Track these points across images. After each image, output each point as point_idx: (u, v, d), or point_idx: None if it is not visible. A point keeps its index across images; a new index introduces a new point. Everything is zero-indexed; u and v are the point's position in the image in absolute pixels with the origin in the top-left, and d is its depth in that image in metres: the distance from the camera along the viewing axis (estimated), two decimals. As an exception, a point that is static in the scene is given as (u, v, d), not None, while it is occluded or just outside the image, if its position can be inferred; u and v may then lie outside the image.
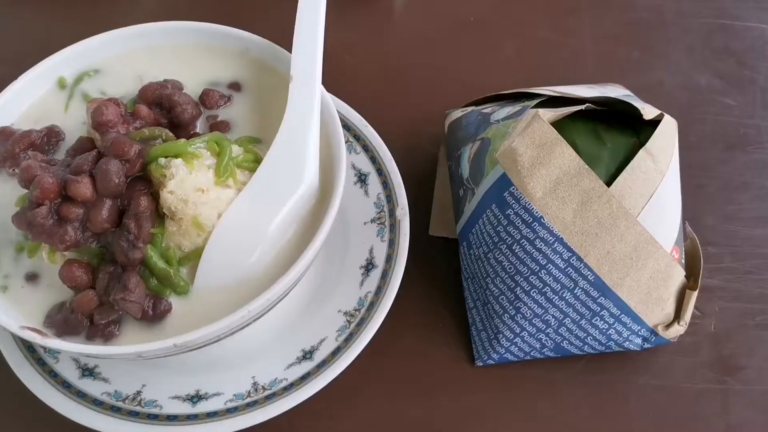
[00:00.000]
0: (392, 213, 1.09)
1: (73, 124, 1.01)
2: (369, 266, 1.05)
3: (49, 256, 0.87)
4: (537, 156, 0.94)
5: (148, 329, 0.87)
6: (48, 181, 0.83)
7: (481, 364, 1.05)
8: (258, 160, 0.94)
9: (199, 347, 0.86)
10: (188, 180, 0.85)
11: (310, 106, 0.96)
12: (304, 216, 0.93)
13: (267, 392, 0.95)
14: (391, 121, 1.21)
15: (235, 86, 1.05)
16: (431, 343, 1.08)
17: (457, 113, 1.18)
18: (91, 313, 0.85)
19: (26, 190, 0.90)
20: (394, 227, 1.07)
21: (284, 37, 1.05)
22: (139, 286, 0.84)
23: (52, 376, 0.96)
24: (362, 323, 0.99)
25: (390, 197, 1.10)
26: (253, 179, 0.90)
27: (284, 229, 0.91)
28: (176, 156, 0.87)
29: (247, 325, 0.86)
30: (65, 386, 0.95)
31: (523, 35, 1.44)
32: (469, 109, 1.18)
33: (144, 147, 0.88)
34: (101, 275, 0.85)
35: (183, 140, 0.90)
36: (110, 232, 0.87)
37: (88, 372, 0.97)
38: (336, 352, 0.97)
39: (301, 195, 0.91)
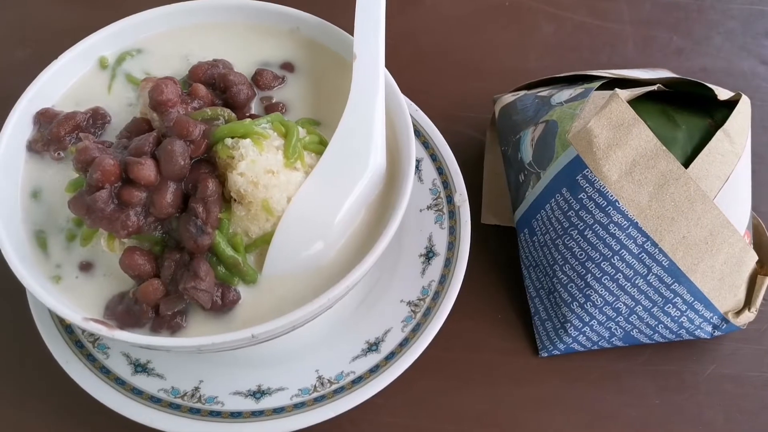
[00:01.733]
0: (450, 199, 1.04)
1: (119, 105, 0.95)
2: (429, 254, 1.01)
3: (108, 244, 0.81)
4: (613, 137, 0.90)
5: (216, 320, 0.81)
6: (109, 163, 0.78)
7: (546, 354, 1.01)
8: (322, 142, 0.89)
9: (273, 338, 0.81)
10: (259, 161, 0.80)
11: (375, 86, 0.91)
12: (371, 202, 0.89)
13: (335, 386, 0.90)
14: (429, 106, 1.17)
15: (288, 66, 1.00)
16: (491, 334, 1.04)
17: (508, 97, 1.14)
18: (156, 303, 0.80)
19: (77, 174, 0.84)
20: (453, 214, 1.03)
21: (333, 15, 1.01)
22: (209, 274, 0.79)
23: (104, 372, 0.90)
24: (428, 313, 0.95)
25: (446, 183, 1.06)
26: (321, 162, 0.85)
27: (353, 214, 0.87)
28: (243, 136, 0.82)
29: (319, 314, 0.81)
30: (119, 383, 0.90)
31: (559, 19, 1.41)
32: (521, 93, 1.14)
33: (208, 127, 0.82)
34: (167, 263, 0.80)
35: (248, 120, 0.85)
36: (174, 217, 0.81)
37: (141, 368, 0.91)
38: (404, 344, 0.93)
39: (369, 178, 0.87)
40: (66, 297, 0.81)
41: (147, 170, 0.78)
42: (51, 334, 0.91)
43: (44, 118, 0.92)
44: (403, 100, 0.92)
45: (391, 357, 0.92)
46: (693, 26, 1.38)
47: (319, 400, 0.89)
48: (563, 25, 1.40)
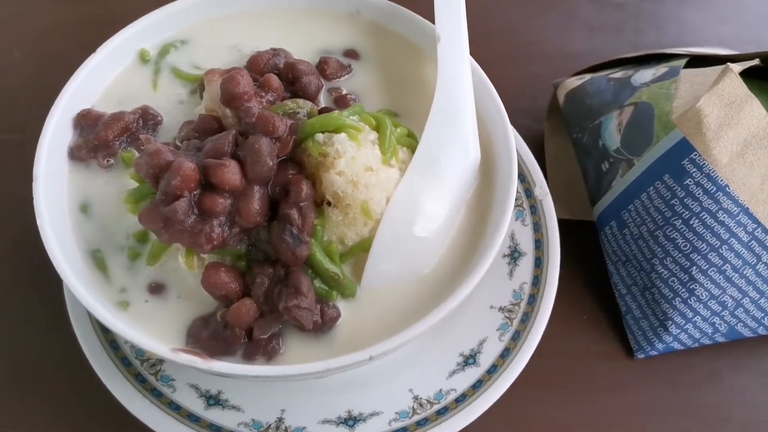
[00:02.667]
0: (529, 193, 0.96)
1: (168, 103, 0.84)
2: (515, 254, 0.92)
3: (187, 261, 0.70)
4: (725, 116, 0.83)
5: (316, 342, 0.71)
6: (189, 167, 0.67)
7: (643, 356, 0.94)
8: (411, 135, 0.79)
9: (384, 357, 0.71)
10: (359, 158, 0.70)
11: (462, 70, 0.82)
12: (468, 200, 0.80)
13: (436, 406, 0.81)
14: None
15: (352, 54, 0.90)
16: (580, 337, 0.96)
17: (573, 82, 1.07)
18: (250, 326, 0.69)
19: (134, 182, 0.73)
20: (535, 209, 0.95)
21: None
22: (311, 289, 0.69)
23: (174, 408, 0.79)
24: (526, 319, 0.86)
25: (523, 176, 0.97)
26: (417, 156, 0.76)
27: (455, 213, 0.78)
28: (336, 131, 0.72)
29: (436, 327, 0.72)
30: (193, 419, 0.78)
31: (599, 1, 1.34)
32: (587, 76, 1.06)
33: (295, 122, 0.72)
34: (259, 279, 0.69)
35: (336, 112, 0.74)
36: (263, 227, 0.71)
37: (213, 400, 0.80)
38: (505, 355, 0.84)
39: (467, 170, 0.78)
40: (138, 325, 0.70)
41: (231, 173, 0.68)
42: (107, 369, 0.80)
43: (86, 121, 0.80)
44: (491, 84, 0.83)
45: (493, 370, 0.83)
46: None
47: (423, 423, 0.79)
48: (602, 6, 1.33)
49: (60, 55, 1.15)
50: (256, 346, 0.69)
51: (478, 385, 0.82)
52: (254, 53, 0.84)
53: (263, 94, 0.75)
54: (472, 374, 0.83)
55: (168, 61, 0.87)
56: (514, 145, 0.78)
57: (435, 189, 0.75)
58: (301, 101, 0.75)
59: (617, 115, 0.94)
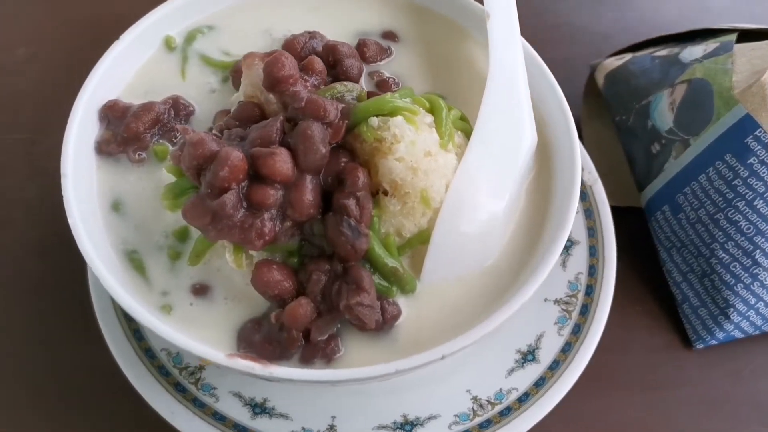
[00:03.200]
0: (577, 179, 0.91)
1: (198, 92, 0.79)
2: (566, 243, 0.87)
3: (235, 259, 0.65)
4: (791, 90, 0.79)
5: (376, 341, 0.66)
6: (237, 157, 0.61)
7: (702, 346, 0.89)
8: (463, 118, 0.74)
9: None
10: (418, 143, 0.65)
11: (514, 48, 0.77)
12: (526, 187, 0.75)
13: (498, 407, 0.76)
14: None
15: (391, 36, 0.84)
16: (636, 329, 0.91)
17: (613, 62, 1.02)
18: (307, 327, 0.63)
19: (171, 177, 0.67)
20: (585, 195, 0.90)
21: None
22: (372, 285, 0.63)
23: (219, 419, 0.73)
24: (586, 311, 0.81)
25: (569, 161, 0.92)
26: (473, 139, 0.71)
27: (516, 199, 0.73)
28: (391, 114, 0.66)
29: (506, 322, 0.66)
30: (240, 430, 0.72)
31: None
32: (628, 56, 1.02)
33: (346, 106, 0.67)
34: (315, 276, 0.64)
35: (388, 94, 0.69)
36: (316, 220, 0.65)
37: (259, 408, 0.75)
38: (566, 350, 0.79)
39: (525, 153, 0.73)
40: (184, 330, 0.64)
41: (282, 162, 0.62)
42: (143, 379, 0.74)
43: (113, 113, 0.75)
44: (544, 64, 0.78)
45: (555, 366, 0.78)
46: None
47: (485, 426, 0.74)
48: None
49: (68, 54, 1.09)
50: (315, 348, 0.64)
51: (540, 383, 0.77)
52: (288, 37, 0.78)
53: (306, 77, 0.70)
54: (533, 371, 0.78)
55: (195, 48, 0.81)
56: (574, 127, 0.73)
57: (495, 174, 0.70)
58: (349, 84, 0.69)
59: (669, 94, 0.90)
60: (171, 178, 0.68)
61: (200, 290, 0.67)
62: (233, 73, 0.78)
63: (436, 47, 0.83)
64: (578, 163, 0.71)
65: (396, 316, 0.66)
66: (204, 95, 0.78)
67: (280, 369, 0.59)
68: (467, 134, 0.72)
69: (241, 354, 0.61)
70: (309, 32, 0.80)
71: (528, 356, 0.79)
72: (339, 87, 0.68)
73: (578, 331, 0.80)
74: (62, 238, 0.67)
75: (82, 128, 0.72)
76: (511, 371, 0.78)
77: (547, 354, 0.79)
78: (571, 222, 0.67)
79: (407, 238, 0.68)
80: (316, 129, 0.63)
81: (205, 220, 0.62)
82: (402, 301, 0.67)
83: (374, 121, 0.66)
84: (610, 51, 1.08)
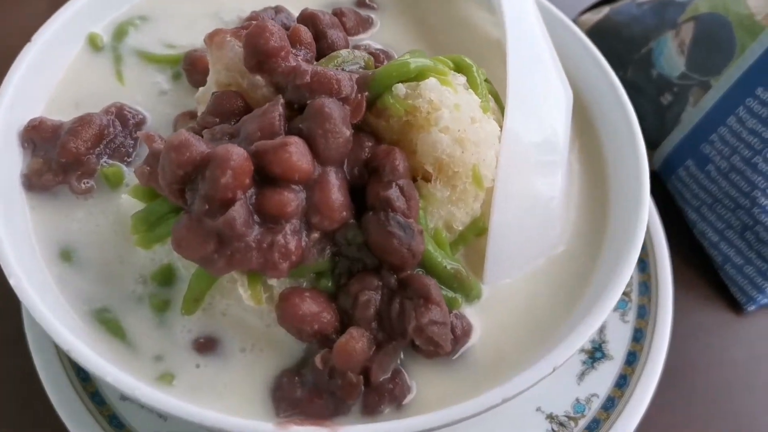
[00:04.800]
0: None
1: (145, 96, 0.62)
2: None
3: (253, 294, 0.48)
4: (823, 6, 0.71)
5: (447, 369, 0.51)
6: (240, 155, 0.45)
7: (754, 307, 0.79)
8: (487, 80, 0.61)
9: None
10: (463, 105, 0.51)
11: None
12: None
13: (583, 421, 0.62)
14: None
15: (365, 4, 0.70)
16: (678, 303, 0.80)
17: (591, 17, 0.92)
18: (366, 365, 0.47)
19: (136, 205, 0.50)
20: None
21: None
22: (441, 296, 0.49)
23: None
24: (646, 290, 0.70)
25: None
26: (510, 103, 0.57)
27: (568, 170, 0.60)
28: (418, 77, 0.52)
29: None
30: None
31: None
32: (605, 9, 0.92)
33: (360, 76, 0.52)
34: (364, 297, 0.48)
35: (406, 55, 0.55)
36: (351, 224, 0.50)
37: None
38: (639, 337, 0.67)
39: (567, 113, 0.61)
40: (196, 401, 0.47)
41: (299, 154, 0.47)
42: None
43: (40, 135, 0.56)
44: (564, 16, 0.67)
45: (632, 359, 0.65)
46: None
47: (575, 445, 0.61)
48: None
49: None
50: (379, 392, 0.48)
51: (622, 383, 0.64)
52: (249, 15, 0.63)
53: (295, 52, 0.54)
54: (608, 370, 0.65)
55: (129, 44, 0.64)
56: (617, 81, 0.62)
57: (542, 140, 0.58)
58: (355, 51, 0.54)
59: (673, 36, 0.80)
60: (135, 205, 0.51)
61: (206, 345, 0.50)
62: (187, 67, 0.62)
63: (420, 10, 0.71)
64: (635, 121, 0.59)
65: (467, 332, 0.52)
66: (153, 99, 0.61)
67: (353, 429, 0.43)
68: (495, 97, 0.59)
69: (294, 420, 0.45)
70: (272, 7, 0.64)
71: (596, 353, 0.66)
72: (344, 54, 0.53)
73: (645, 314, 0.68)
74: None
75: (1, 159, 0.53)
76: (581, 375, 0.65)
77: (617, 347, 0.66)
78: (647, 193, 0.55)
79: (458, 231, 0.54)
80: (334, 106, 0.48)
81: (208, 248, 0.45)
82: (468, 311, 0.53)
83: (400, 88, 0.51)
84: (578, 8, 0.98)
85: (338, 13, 0.66)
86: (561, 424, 0.62)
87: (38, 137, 0.56)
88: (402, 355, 0.50)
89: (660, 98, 0.83)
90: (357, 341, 0.47)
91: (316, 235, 0.48)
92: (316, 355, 0.48)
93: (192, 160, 0.46)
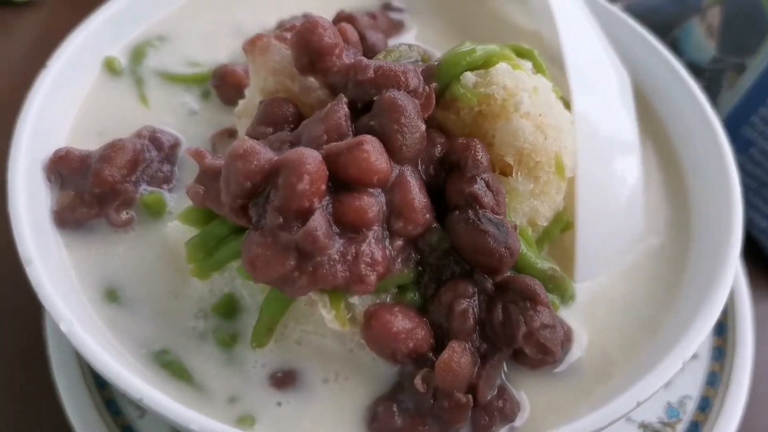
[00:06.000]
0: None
1: (175, 117, 0.58)
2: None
3: (336, 315, 0.43)
4: None
5: (554, 380, 0.47)
6: (315, 158, 0.40)
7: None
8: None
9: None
10: (541, 89, 0.47)
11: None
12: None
13: (681, 426, 0.57)
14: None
15: (389, 7, 0.67)
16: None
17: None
18: (473, 383, 0.42)
19: (186, 232, 0.45)
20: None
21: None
22: (548, 297, 0.44)
23: None
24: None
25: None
26: (574, 87, 0.53)
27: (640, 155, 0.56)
28: (486, 64, 0.48)
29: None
30: None
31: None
32: (618, 3, 0.90)
33: (427, 67, 0.47)
34: (461, 306, 0.43)
35: (466, 42, 0.50)
36: (434, 229, 0.45)
37: None
38: (722, 331, 0.62)
39: (629, 92, 0.58)
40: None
41: (376, 154, 0.42)
42: None
43: (67, 166, 0.51)
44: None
45: (719, 356, 0.61)
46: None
47: (680, 453, 0.56)
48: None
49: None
50: (488, 411, 0.43)
51: (713, 381, 0.59)
52: (280, 22, 0.58)
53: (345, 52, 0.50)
54: (697, 368, 0.60)
55: (149, 65, 0.60)
56: (678, 64, 0.59)
57: (610, 120, 0.54)
58: (412, 45, 0.50)
59: (699, 22, 0.78)
60: (185, 233, 0.45)
61: (284, 380, 0.44)
62: (217, 83, 0.58)
63: (449, 8, 0.67)
64: (705, 103, 0.56)
65: (570, 336, 0.47)
66: (183, 120, 0.56)
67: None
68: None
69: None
70: (304, 15, 0.60)
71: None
72: (401, 48, 0.49)
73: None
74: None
75: (29, 197, 0.47)
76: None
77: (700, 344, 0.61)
78: (737, 186, 0.52)
79: (543, 227, 0.49)
80: (406, 98, 0.44)
81: (287, 265, 0.40)
82: (564, 314, 0.48)
83: (469, 77, 0.47)
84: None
85: (370, 17, 0.63)
86: (657, 431, 0.57)
87: (66, 169, 0.50)
88: (505, 368, 0.45)
89: (692, 86, 0.80)
90: (461, 356, 0.41)
91: (399, 242, 0.43)
92: (410, 377, 0.43)
93: (261, 169, 0.41)
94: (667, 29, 0.82)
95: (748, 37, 0.75)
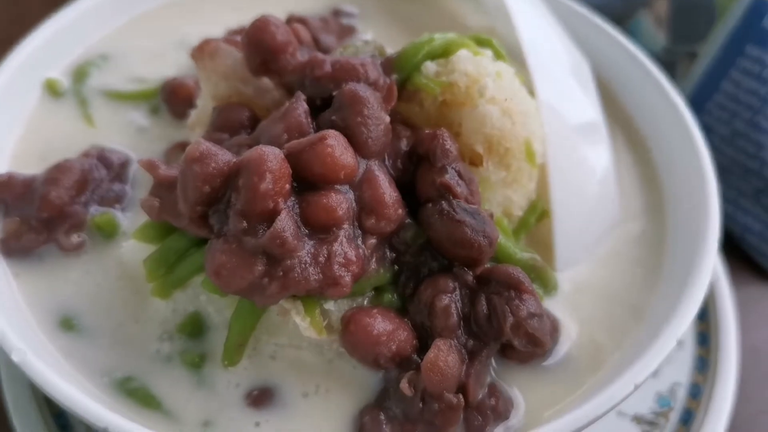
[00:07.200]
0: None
1: (123, 135, 0.55)
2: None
3: (312, 322, 0.40)
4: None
5: (545, 374, 0.45)
6: (276, 155, 0.38)
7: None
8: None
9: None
10: (505, 73, 0.46)
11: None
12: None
13: (673, 415, 0.56)
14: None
15: (340, 13, 0.65)
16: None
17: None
18: (463, 382, 0.40)
19: (143, 249, 0.42)
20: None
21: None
22: (532, 285, 0.42)
23: None
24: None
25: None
26: (535, 73, 0.52)
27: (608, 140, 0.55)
28: (445, 53, 0.46)
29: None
30: None
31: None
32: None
33: (386, 59, 0.46)
34: (442, 302, 0.41)
35: (425, 34, 0.49)
36: (408, 224, 0.43)
37: None
38: (703, 316, 0.61)
39: (589, 73, 0.57)
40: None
41: (341, 148, 0.40)
42: None
43: (9, 192, 0.47)
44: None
45: (703, 341, 0.60)
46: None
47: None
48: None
49: None
50: (481, 410, 0.40)
51: (701, 366, 0.58)
52: (228, 31, 0.56)
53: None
54: (683, 355, 0.59)
55: (92, 85, 0.57)
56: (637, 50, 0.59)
57: (574, 105, 0.53)
58: (368, 40, 0.49)
59: (648, 13, 0.79)
60: (141, 251, 0.42)
61: (261, 398, 0.41)
62: (166, 97, 0.55)
63: (401, 11, 0.66)
64: (664, 80, 0.56)
65: (557, 327, 0.45)
66: (132, 137, 0.54)
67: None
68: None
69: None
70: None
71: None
72: (358, 44, 0.47)
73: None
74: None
75: (-35, 227, 0.44)
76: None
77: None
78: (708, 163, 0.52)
79: (518, 217, 0.48)
80: (367, 90, 0.42)
81: (254, 271, 0.37)
82: (548, 305, 0.46)
83: (430, 66, 0.45)
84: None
85: (321, 21, 0.61)
86: (651, 423, 0.55)
87: (9, 195, 0.47)
88: (494, 363, 0.43)
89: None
90: (447, 354, 0.39)
91: (372, 240, 0.41)
92: (396, 382, 0.40)
93: (220, 171, 0.38)
94: (617, 24, 0.83)
95: (697, 25, 0.75)
